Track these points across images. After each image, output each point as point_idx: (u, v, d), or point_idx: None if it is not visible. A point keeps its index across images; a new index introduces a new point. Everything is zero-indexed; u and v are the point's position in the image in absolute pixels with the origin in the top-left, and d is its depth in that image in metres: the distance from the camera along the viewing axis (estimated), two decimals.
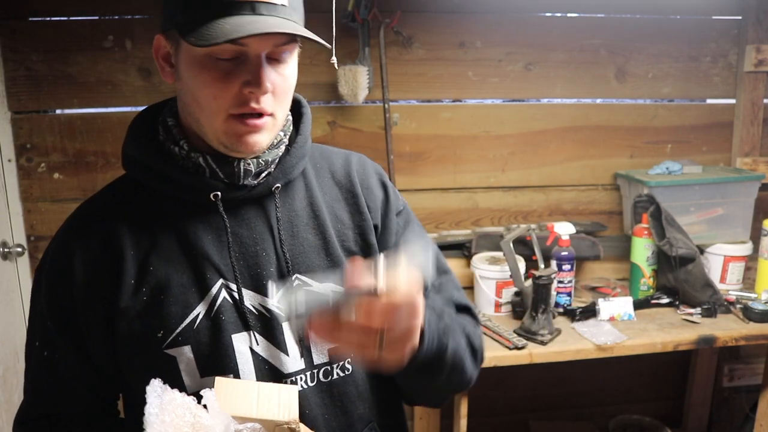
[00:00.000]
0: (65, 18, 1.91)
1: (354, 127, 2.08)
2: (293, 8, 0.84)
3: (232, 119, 0.84)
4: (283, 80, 0.85)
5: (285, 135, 0.95)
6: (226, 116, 0.84)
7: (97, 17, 1.92)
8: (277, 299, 0.91)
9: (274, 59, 0.84)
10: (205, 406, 0.74)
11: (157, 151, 0.90)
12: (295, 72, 0.89)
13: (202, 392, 0.74)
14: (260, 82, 0.81)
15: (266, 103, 0.84)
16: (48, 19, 1.90)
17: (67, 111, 1.97)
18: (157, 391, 0.73)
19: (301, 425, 0.78)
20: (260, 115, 0.84)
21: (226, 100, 0.82)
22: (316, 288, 0.92)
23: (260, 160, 0.90)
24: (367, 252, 0.98)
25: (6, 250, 1.94)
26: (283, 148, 0.94)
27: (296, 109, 1.00)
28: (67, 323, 0.89)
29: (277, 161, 0.93)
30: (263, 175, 0.92)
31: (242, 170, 0.89)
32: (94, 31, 1.91)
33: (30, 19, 1.89)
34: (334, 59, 1.84)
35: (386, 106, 2.00)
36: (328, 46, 0.85)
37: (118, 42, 1.93)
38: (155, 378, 0.76)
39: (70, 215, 0.94)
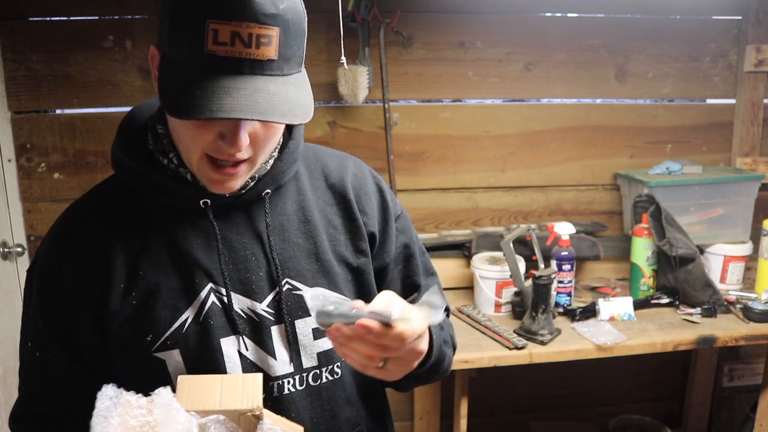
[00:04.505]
0: (65, 18, 1.91)
1: (354, 127, 2.08)
2: (285, 59, 0.76)
3: (207, 161, 0.82)
4: (266, 130, 0.81)
5: (275, 150, 0.92)
6: (201, 155, 0.81)
7: (97, 17, 1.92)
8: (266, 304, 0.90)
9: None
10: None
11: (147, 159, 0.88)
12: None
13: (154, 392, 0.74)
14: (235, 141, 0.78)
15: (242, 154, 0.81)
16: (48, 19, 1.90)
17: (67, 111, 1.97)
18: (108, 394, 0.72)
19: (266, 411, 0.77)
20: (236, 162, 0.82)
21: (202, 144, 0.80)
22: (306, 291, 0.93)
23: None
24: (359, 257, 0.97)
25: (6, 250, 1.94)
26: (272, 162, 0.92)
27: None
28: (58, 326, 0.88)
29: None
30: (252, 181, 0.90)
31: None
32: (94, 31, 1.91)
33: (30, 19, 1.89)
34: (343, 59, 1.86)
35: (386, 106, 2.00)
36: (308, 119, 0.78)
37: (118, 42, 1.93)
38: (108, 384, 0.75)
39: (59, 218, 0.93)
